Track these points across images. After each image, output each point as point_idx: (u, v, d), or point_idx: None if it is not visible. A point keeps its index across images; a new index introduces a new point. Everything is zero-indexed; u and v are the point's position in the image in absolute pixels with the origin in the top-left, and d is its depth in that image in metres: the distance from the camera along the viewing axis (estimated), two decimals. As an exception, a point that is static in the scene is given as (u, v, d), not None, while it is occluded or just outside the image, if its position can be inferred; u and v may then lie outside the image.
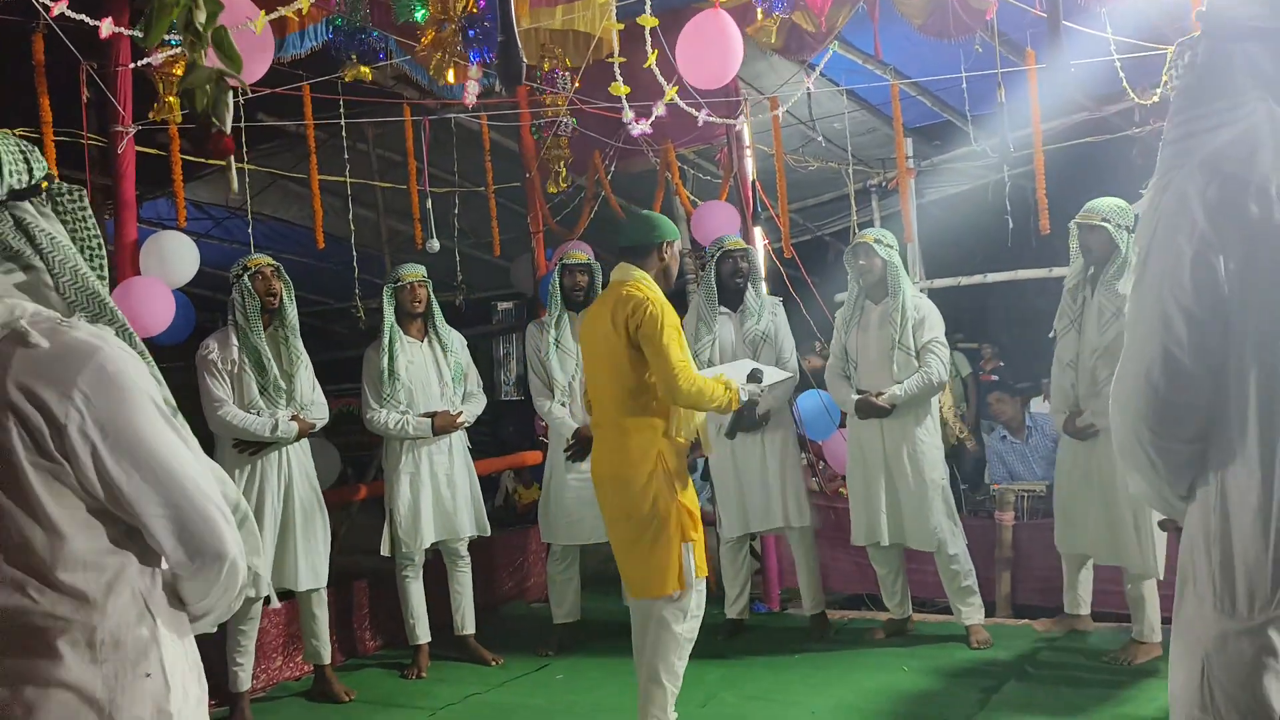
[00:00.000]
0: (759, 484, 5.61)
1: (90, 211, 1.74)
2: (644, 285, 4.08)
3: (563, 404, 5.75)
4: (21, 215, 1.65)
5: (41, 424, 1.56)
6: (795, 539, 5.72)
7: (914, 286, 5.48)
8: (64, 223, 1.70)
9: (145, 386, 1.64)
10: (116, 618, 1.61)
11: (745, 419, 5.48)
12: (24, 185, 1.66)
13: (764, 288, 6.05)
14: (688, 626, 4.03)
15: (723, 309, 5.66)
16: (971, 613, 5.34)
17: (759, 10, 5.44)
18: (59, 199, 1.71)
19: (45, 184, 1.69)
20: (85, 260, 1.70)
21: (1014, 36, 6.20)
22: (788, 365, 5.50)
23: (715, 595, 5.39)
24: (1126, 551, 4.82)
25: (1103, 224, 4.74)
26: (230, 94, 1.89)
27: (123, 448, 1.59)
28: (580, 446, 5.43)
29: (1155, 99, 5.46)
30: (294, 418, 4.92)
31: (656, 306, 3.99)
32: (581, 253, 5.90)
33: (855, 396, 5.35)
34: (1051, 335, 5.12)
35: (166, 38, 2.79)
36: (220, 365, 4.85)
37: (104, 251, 1.76)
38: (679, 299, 5.39)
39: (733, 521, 5.71)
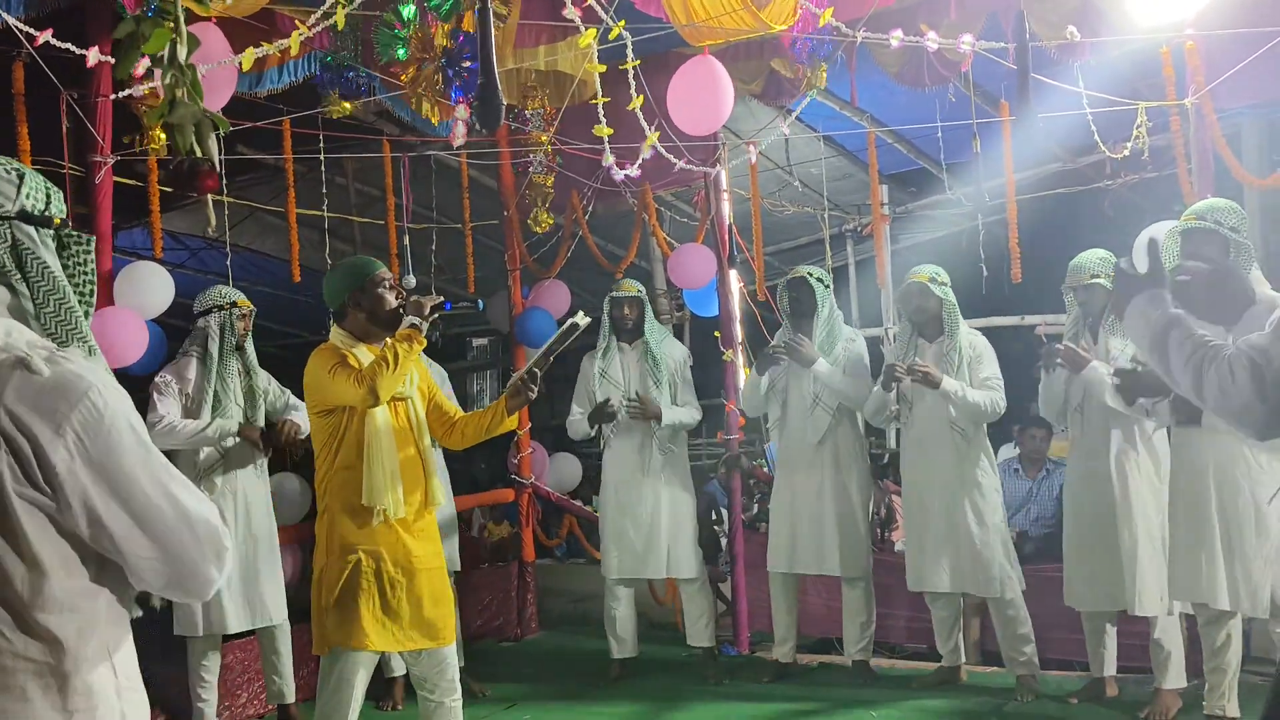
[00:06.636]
0: (813, 523, 5.43)
1: (93, 261, 1.75)
2: (329, 344, 3.88)
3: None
4: (21, 238, 1.65)
5: (30, 455, 1.53)
6: (845, 589, 5.50)
7: (965, 323, 5.25)
8: (63, 264, 1.70)
9: (134, 421, 1.63)
10: (87, 666, 1.59)
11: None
12: (36, 213, 1.67)
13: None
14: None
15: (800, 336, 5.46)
16: (1027, 663, 5.09)
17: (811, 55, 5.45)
18: (66, 239, 1.72)
19: (58, 221, 1.70)
20: (75, 299, 1.69)
21: (989, 87, 6.29)
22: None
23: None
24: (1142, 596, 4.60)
25: (1093, 281, 4.72)
26: (214, 131, 1.89)
27: (114, 490, 1.58)
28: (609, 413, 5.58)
29: (1126, 152, 5.55)
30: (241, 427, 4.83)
31: (314, 359, 3.81)
32: (632, 284, 5.77)
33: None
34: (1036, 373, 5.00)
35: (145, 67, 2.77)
36: (174, 388, 4.77)
37: (94, 298, 1.76)
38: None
39: (778, 557, 5.56)
